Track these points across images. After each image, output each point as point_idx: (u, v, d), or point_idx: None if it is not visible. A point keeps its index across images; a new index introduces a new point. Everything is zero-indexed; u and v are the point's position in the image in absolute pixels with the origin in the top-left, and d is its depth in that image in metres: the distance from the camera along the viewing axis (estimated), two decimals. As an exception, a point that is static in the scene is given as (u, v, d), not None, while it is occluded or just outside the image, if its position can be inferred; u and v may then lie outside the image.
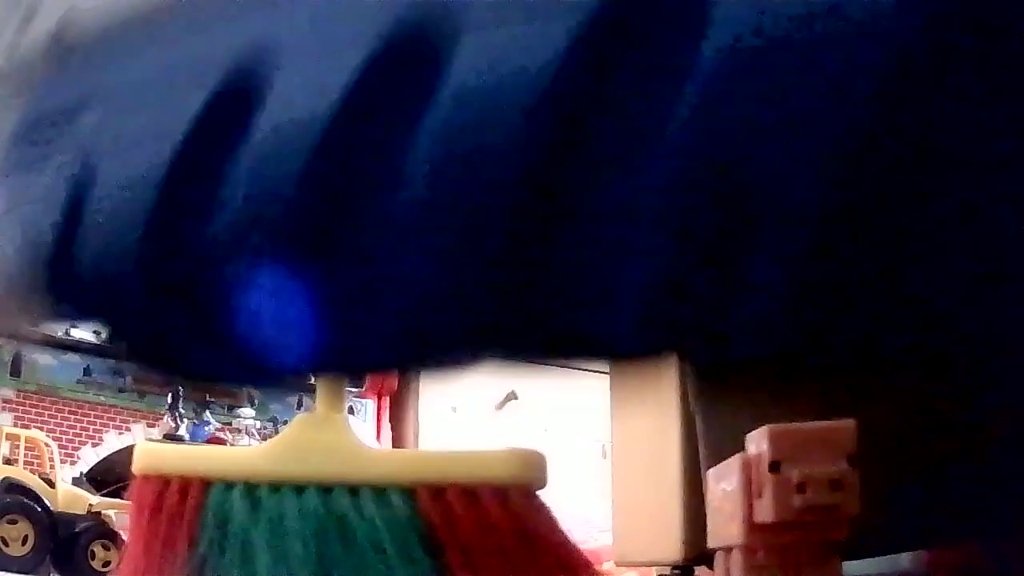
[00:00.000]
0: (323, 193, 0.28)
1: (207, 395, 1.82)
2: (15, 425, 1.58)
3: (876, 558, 0.57)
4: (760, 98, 0.24)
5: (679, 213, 0.25)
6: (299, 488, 0.48)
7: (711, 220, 0.25)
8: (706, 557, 0.55)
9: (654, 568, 0.96)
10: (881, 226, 0.24)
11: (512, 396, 2.24)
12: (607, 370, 1.15)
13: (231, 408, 1.86)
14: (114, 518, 1.37)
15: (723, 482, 0.43)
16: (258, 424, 1.83)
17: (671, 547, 0.91)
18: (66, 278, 0.33)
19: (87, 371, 1.74)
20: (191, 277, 0.31)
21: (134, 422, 1.76)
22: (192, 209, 0.31)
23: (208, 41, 0.32)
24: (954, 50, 0.23)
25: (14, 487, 1.33)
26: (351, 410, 1.89)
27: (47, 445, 1.48)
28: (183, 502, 0.49)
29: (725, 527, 0.43)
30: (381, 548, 0.46)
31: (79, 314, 0.34)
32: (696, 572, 0.92)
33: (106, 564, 1.34)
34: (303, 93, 0.29)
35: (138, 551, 0.50)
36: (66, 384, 1.71)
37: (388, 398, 2.16)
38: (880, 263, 0.24)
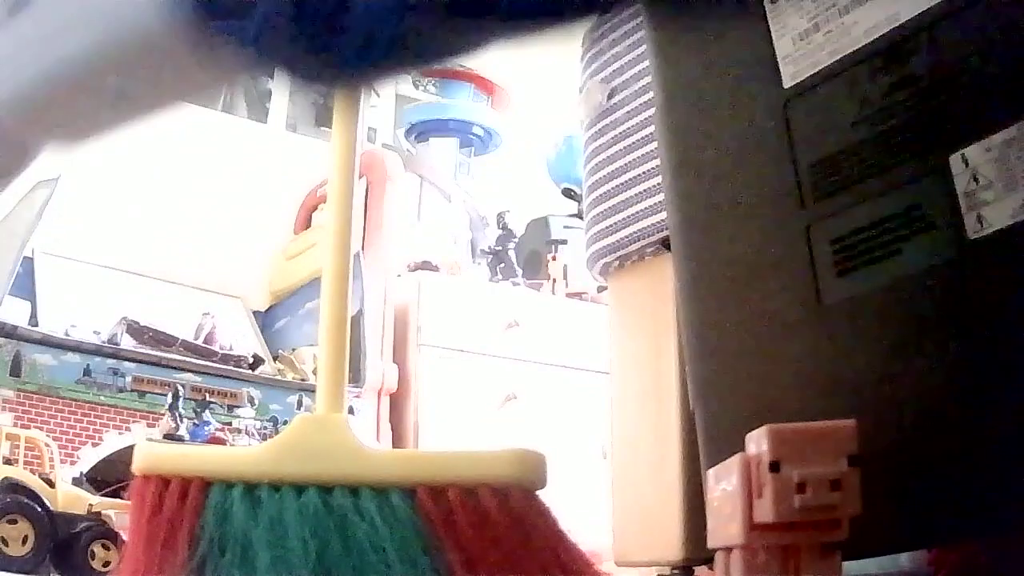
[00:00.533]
0: None
1: (207, 395, 1.81)
2: (15, 425, 1.58)
3: (876, 558, 0.57)
4: None
5: None
6: (299, 488, 0.48)
7: None
8: (706, 557, 0.55)
9: (654, 568, 0.96)
10: None
11: (512, 396, 2.24)
12: (607, 370, 1.15)
13: (231, 408, 1.86)
14: (114, 518, 1.36)
15: (723, 482, 0.43)
16: (258, 424, 1.83)
17: (671, 547, 0.91)
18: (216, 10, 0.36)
19: (87, 371, 1.74)
20: None
21: (134, 422, 1.76)
22: None
23: None
24: None
25: (14, 487, 1.33)
26: (351, 410, 1.89)
27: (47, 445, 1.48)
28: (183, 502, 0.49)
29: (725, 527, 0.43)
30: (381, 548, 0.46)
31: (239, 51, 0.36)
32: (696, 572, 0.92)
33: (106, 564, 1.33)
34: None
35: (138, 551, 0.50)
36: (66, 384, 1.71)
37: (388, 398, 2.16)
38: None
